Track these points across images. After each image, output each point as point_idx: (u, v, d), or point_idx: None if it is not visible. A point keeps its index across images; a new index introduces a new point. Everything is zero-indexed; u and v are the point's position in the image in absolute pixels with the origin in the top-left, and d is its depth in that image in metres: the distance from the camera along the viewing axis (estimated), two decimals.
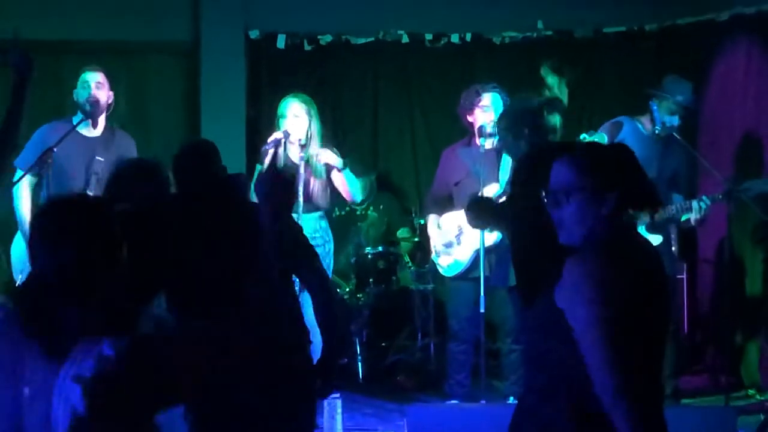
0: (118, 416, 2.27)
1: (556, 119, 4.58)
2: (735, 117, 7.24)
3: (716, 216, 6.91)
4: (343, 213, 7.80)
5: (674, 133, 6.25)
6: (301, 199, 6.06)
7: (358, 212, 7.78)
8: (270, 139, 6.23)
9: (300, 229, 4.05)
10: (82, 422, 2.23)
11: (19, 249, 6.04)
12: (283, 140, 6.21)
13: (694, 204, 6.09)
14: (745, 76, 7.23)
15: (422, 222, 7.09)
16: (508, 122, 4.73)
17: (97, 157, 5.98)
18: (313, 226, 6.21)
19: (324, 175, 6.33)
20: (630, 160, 2.76)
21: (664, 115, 6.26)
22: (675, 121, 6.25)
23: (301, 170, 6.17)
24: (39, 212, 2.51)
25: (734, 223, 6.65)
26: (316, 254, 4.00)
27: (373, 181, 7.93)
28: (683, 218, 6.16)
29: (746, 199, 6.18)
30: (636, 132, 6.33)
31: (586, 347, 2.54)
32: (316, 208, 6.34)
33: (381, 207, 7.85)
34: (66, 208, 2.50)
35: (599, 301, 2.53)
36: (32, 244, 2.45)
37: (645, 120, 6.40)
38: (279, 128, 6.29)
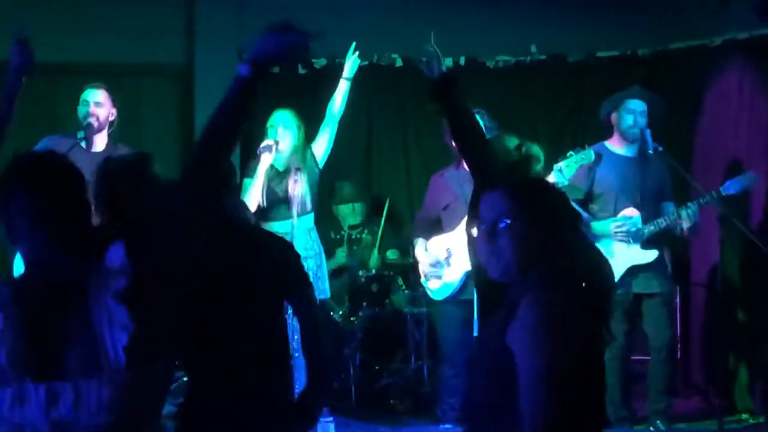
0: (161, 321, 2.40)
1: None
2: (728, 141, 7.26)
3: (709, 240, 6.94)
4: (338, 237, 7.80)
5: (657, 150, 6.27)
6: (294, 207, 6.06)
7: (353, 236, 7.79)
8: (262, 145, 6.25)
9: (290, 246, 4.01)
10: (136, 339, 2.33)
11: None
12: (273, 149, 6.22)
13: (682, 212, 6.13)
14: (738, 100, 7.26)
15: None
16: None
17: None
18: (304, 238, 6.21)
19: (316, 178, 6.39)
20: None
21: (627, 118, 6.33)
22: (647, 137, 6.27)
23: (291, 178, 6.19)
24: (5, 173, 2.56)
25: (726, 247, 6.67)
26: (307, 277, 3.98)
27: (368, 206, 7.96)
28: (678, 228, 6.19)
29: (734, 192, 6.21)
30: (609, 155, 6.38)
31: (530, 395, 2.43)
32: (305, 212, 6.33)
33: (375, 229, 7.86)
34: (21, 164, 2.59)
35: (554, 350, 2.44)
36: (5, 203, 2.52)
37: (613, 141, 6.46)
38: (269, 137, 6.32)
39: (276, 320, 3.66)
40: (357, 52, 6.47)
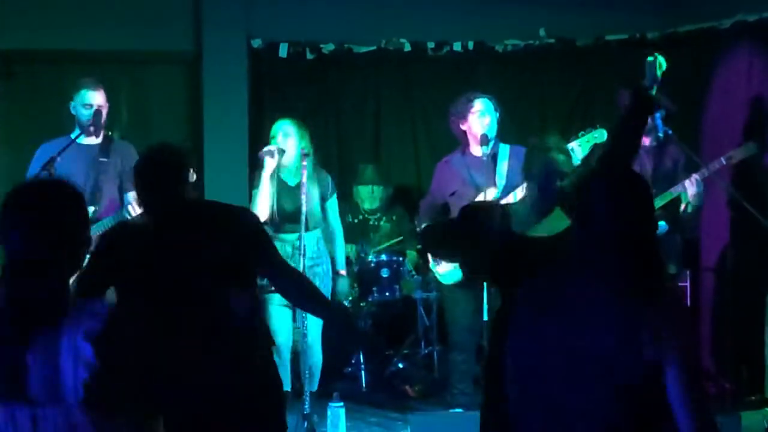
0: (127, 371, 2.42)
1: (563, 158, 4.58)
2: (737, 123, 7.24)
3: (719, 224, 6.93)
4: (355, 221, 7.81)
5: (666, 133, 6.24)
6: (303, 218, 6.03)
7: (371, 222, 7.81)
8: (263, 150, 6.22)
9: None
10: (99, 377, 2.36)
11: None
12: (276, 154, 6.18)
13: (687, 183, 6.12)
14: (748, 83, 7.23)
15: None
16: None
17: (101, 159, 6.05)
18: (311, 247, 6.20)
19: (318, 195, 6.35)
20: None
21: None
22: (658, 120, 6.24)
23: (299, 190, 6.16)
24: (7, 196, 2.56)
25: (737, 231, 6.65)
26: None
27: (390, 193, 7.96)
28: (683, 202, 6.17)
29: (736, 161, 6.21)
30: None
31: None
32: (314, 226, 6.31)
33: (394, 218, 7.87)
34: (29, 190, 2.62)
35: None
36: (1, 227, 2.54)
37: None
38: (276, 143, 6.29)
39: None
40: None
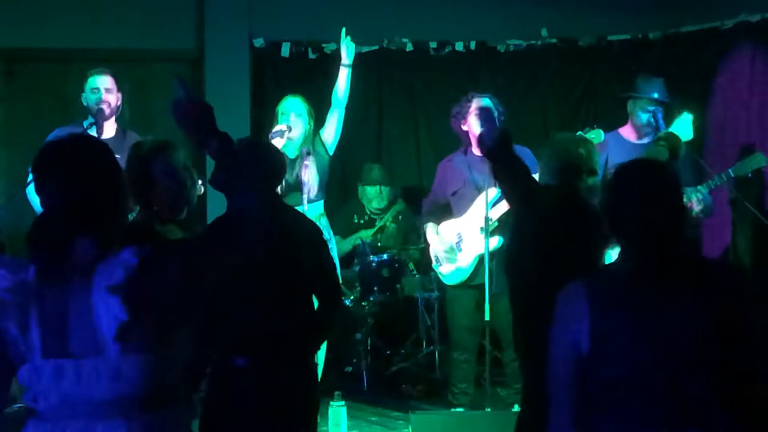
0: (155, 319, 2.50)
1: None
2: (740, 124, 7.24)
3: (720, 223, 6.92)
4: (360, 221, 7.81)
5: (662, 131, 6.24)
6: (305, 194, 6.06)
7: (377, 223, 7.81)
8: (274, 130, 6.24)
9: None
10: (127, 328, 2.46)
11: None
12: (286, 132, 6.22)
13: (692, 196, 6.06)
14: (750, 83, 7.23)
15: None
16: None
17: (115, 155, 6.02)
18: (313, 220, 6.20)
19: (325, 164, 6.37)
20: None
21: (643, 116, 6.26)
22: (659, 119, 6.22)
23: (302, 164, 6.18)
24: (38, 154, 2.62)
25: (738, 230, 6.65)
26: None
27: (398, 194, 7.96)
28: (690, 212, 6.14)
29: (744, 173, 6.19)
30: (619, 143, 6.33)
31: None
32: (317, 198, 6.30)
33: (400, 218, 7.87)
34: (61, 144, 2.66)
35: None
36: (36, 183, 2.60)
37: (626, 129, 6.39)
38: (279, 122, 6.32)
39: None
40: (349, 36, 6.42)
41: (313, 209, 6.18)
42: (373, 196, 7.85)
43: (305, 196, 6.05)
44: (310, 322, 4.00)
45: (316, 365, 4.21)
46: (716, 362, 2.71)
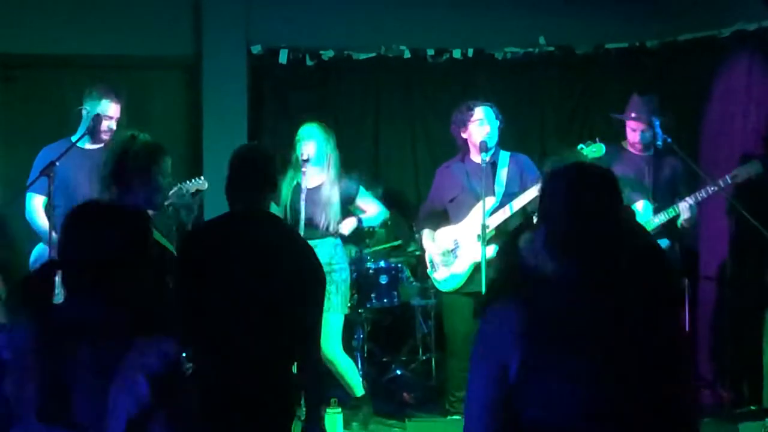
0: (174, 412, 2.44)
1: None
2: (736, 132, 7.24)
3: (718, 232, 6.92)
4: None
5: (666, 142, 6.26)
6: (321, 222, 6.04)
7: (366, 229, 7.78)
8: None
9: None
10: (146, 412, 2.39)
11: (37, 255, 6.10)
12: (305, 164, 6.16)
13: (682, 205, 6.14)
14: (747, 91, 7.23)
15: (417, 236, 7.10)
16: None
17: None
18: (329, 252, 6.17)
19: (338, 204, 6.30)
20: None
21: (633, 135, 6.38)
22: (658, 136, 6.28)
23: (319, 194, 6.15)
24: (79, 211, 2.60)
25: (736, 240, 6.64)
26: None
27: (378, 198, 7.94)
28: (678, 221, 6.20)
29: (740, 180, 6.21)
30: (621, 154, 6.39)
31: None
32: (331, 235, 6.28)
33: (389, 224, 7.85)
34: (107, 210, 2.67)
35: None
36: (67, 235, 2.56)
37: (625, 143, 6.49)
38: (297, 151, 6.26)
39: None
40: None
41: (328, 240, 6.17)
42: None
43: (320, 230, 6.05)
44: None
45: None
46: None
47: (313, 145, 6.21)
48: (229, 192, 4.00)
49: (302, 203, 6.09)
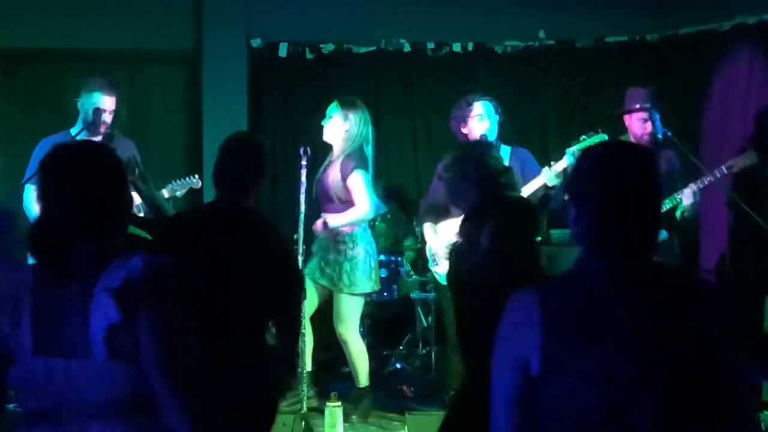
0: (147, 327, 2.46)
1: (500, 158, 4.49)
2: (736, 126, 7.23)
3: (718, 226, 6.92)
4: None
5: (666, 135, 6.24)
6: (302, 216, 5.96)
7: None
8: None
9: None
10: (116, 330, 2.44)
11: None
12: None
13: (686, 191, 6.11)
14: (748, 85, 7.23)
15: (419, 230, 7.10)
16: (453, 163, 4.56)
17: None
18: (343, 230, 6.18)
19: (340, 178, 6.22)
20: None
21: (637, 128, 6.33)
22: (656, 123, 6.26)
23: (328, 172, 6.17)
24: (47, 155, 2.61)
25: (735, 233, 6.64)
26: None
27: (378, 191, 7.92)
28: (678, 211, 6.16)
29: (737, 170, 6.20)
30: None
31: None
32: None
33: (389, 217, 7.85)
34: (71, 149, 2.69)
35: None
36: (42, 185, 2.58)
37: (627, 137, 6.44)
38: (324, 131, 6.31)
39: None
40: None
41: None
42: None
43: (302, 217, 5.90)
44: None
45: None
46: (689, 407, 2.29)
47: (329, 123, 6.25)
48: (215, 179, 4.02)
49: (315, 184, 6.19)
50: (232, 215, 3.98)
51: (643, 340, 2.27)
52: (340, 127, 6.20)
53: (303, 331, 5.84)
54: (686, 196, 6.12)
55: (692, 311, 2.31)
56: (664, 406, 2.26)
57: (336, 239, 6.15)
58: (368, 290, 6.30)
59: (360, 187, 6.12)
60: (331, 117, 6.25)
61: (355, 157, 6.14)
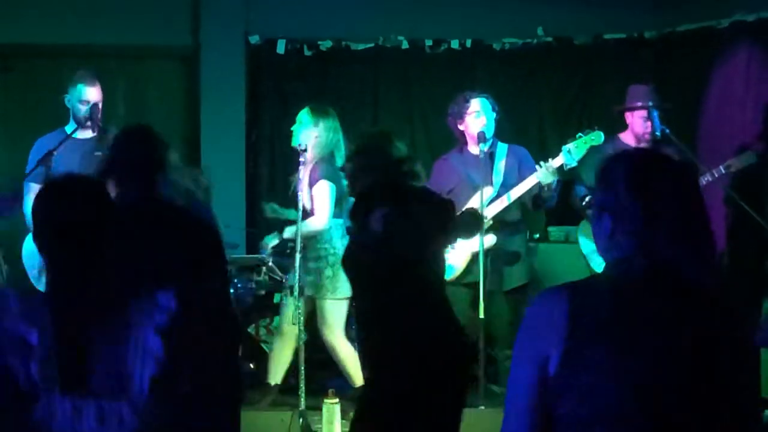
0: (194, 362, 2.51)
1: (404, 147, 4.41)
2: (735, 124, 7.24)
3: (715, 223, 6.89)
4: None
5: (664, 132, 6.23)
6: (300, 214, 5.90)
7: None
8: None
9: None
10: (165, 370, 2.43)
11: (30, 246, 6.11)
12: (303, 153, 6.00)
13: None
14: (746, 83, 7.23)
15: None
16: (354, 152, 4.41)
17: (96, 153, 6.01)
18: (324, 236, 6.09)
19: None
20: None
21: (642, 125, 6.32)
22: (655, 121, 6.25)
23: (300, 177, 6.03)
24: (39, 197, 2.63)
25: (734, 231, 6.64)
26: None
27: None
28: None
29: (735, 170, 6.19)
30: (616, 148, 6.30)
31: None
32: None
33: None
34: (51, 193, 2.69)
35: None
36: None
37: (626, 135, 6.43)
38: (295, 136, 6.17)
39: None
40: None
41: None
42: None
43: (300, 214, 5.80)
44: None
45: None
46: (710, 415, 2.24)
47: (301, 132, 6.13)
48: (119, 181, 3.76)
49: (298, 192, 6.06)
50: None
51: (666, 349, 2.23)
52: (310, 134, 6.13)
53: (301, 328, 5.85)
54: None
55: (716, 329, 2.27)
56: (680, 411, 2.22)
57: (315, 246, 6.09)
58: (351, 293, 6.26)
59: (321, 197, 6.00)
60: (301, 122, 6.18)
61: (324, 166, 6.05)
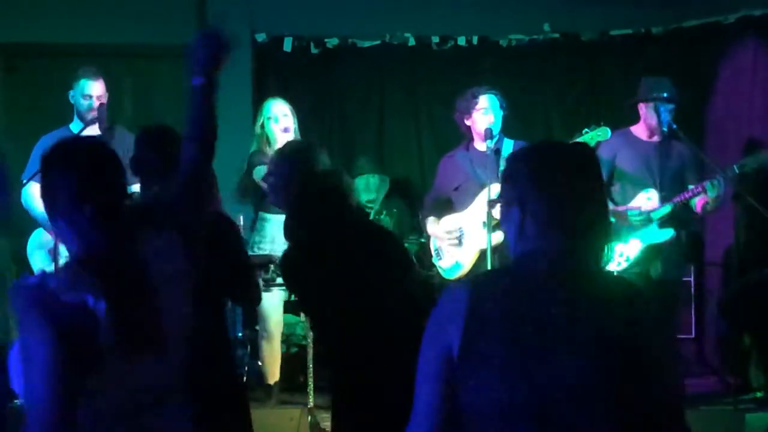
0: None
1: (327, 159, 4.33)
2: (742, 119, 7.23)
3: (723, 219, 6.90)
4: None
5: (671, 128, 6.20)
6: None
7: (371, 217, 7.76)
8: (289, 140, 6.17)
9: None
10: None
11: (34, 241, 6.16)
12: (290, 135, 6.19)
13: (707, 184, 5.97)
14: (752, 78, 7.22)
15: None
16: (276, 163, 4.25)
17: None
18: None
19: None
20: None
21: (657, 117, 6.24)
22: (666, 117, 6.20)
23: None
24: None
25: (741, 226, 6.63)
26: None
27: (387, 185, 7.90)
28: (711, 195, 6.02)
29: (749, 170, 6.14)
30: (631, 141, 6.30)
31: None
32: None
33: (394, 211, 7.84)
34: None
35: None
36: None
37: (638, 128, 6.36)
38: (267, 130, 6.31)
39: None
40: None
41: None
42: (361, 187, 7.81)
43: None
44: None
45: None
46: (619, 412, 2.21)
47: (286, 119, 6.37)
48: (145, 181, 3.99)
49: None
50: None
51: (559, 347, 2.21)
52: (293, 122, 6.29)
53: (308, 326, 5.85)
54: (718, 186, 5.97)
55: (624, 313, 2.25)
56: (590, 409, 2.19)
57: None
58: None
59: None
60: (286, 115, 6.27)
61: None
